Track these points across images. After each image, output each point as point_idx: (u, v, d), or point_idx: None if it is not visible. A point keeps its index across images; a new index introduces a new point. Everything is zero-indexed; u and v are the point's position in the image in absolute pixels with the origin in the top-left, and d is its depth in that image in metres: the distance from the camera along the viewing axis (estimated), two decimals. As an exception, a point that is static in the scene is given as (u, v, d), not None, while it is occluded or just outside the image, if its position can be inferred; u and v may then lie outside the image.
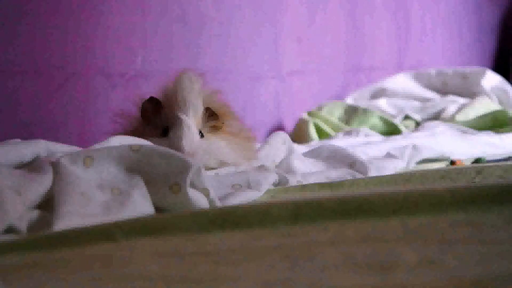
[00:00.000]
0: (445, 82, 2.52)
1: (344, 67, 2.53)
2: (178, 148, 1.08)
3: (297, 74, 2.28)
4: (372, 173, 1.21)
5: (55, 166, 0.84)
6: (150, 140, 1.05)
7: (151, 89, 1.20)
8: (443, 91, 2.51)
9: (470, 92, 2.45)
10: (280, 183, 1.11)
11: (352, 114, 2.20)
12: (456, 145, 1.62)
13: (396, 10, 2.80)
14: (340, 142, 1.70)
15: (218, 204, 0.90)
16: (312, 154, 1.30)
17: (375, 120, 2.15)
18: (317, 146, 1.37)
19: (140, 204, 0.83)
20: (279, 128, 2.14)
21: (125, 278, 0.57)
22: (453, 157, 1.51)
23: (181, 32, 1.83)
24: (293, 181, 1.11)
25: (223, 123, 1.17)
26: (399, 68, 2.76)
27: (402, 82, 2.52)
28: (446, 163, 1.48)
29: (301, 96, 2.30)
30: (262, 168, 1.11)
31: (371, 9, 2.67)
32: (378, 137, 1.88)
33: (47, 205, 0.81)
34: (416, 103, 2.41)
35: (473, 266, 0.52)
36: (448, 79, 2.52)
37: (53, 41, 1.53)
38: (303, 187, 1.07)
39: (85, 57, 1.59)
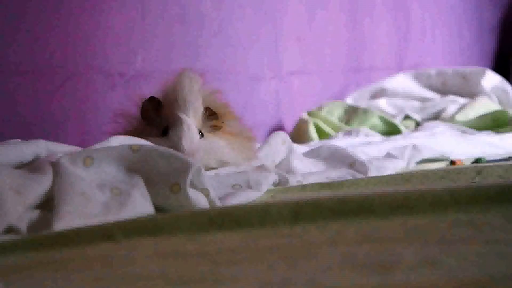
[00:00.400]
0: (445, 82, 2.52)
1: (344, 67, 2.53)
2: (178, 147, 1.08)
3: (297, 74, 2.28)
4: (372, 173, 1.21)
5: (55, 166, 0.84)
6: (150, 140, 1.05)
7: (151, 89, 1.20)
8: (443, 91, 2.51)
9: (470, 92, 2.45)
10: (280, 183, 1.11)
11: (352, 114, 2.20)
12: (456, 145, 1.62)
13: (396, 10, 2.80)
14: (340, 142, 1.70)
15: (218, 204, 0.90)
16: (312, 154, 1.30)
17: (375, 120, 2.15)
18: (317, 146, 1.37)
19: (140, 204, 0.83)
20: (279, 128, 2.13)
21: (125, 278, 0.57)
22: (453, 157, 1.51)
23: (181, 32, 1.83)
24: (293, 181, 1.11)
25: (223, 122, 1.17)
26: (399, 68, 2.76)
27: (402, 82, 2.52)
28: (446, 163, 1.48)
29: (301, 96, 2.30)
30: (262, 168, 1.11)
31: (371, 9, 2.67)
32: (378, 137, 1.88)
33: (47, 205, 0.81)
34: (416, 103, 2.41)
35: (473, 266, 0.52)
36: (448, 79, 2.52)
37: (53, 41, 1.53)
38: (303, 187, 1.07)
39: (85, 57, 1.59)
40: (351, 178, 1.15)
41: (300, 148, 1.50)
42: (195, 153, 1.10)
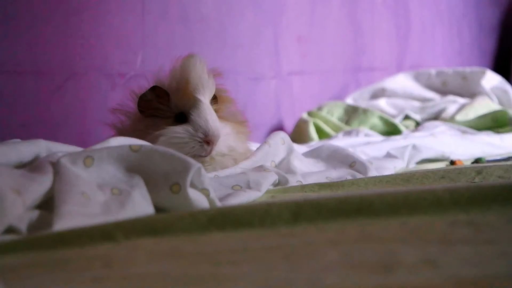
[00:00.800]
0: (445, 82, 2.53)
1: (344, 67, 2.53)
2: (206, 131, 1.07)
3: (297, 74, 2.28)
4: (372, 173, 1.21)
5: (55, 166, 0.84)
6: (166, 131, 1.04)
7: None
8: (443, 91, 2.51)
9: (470, 92, 2.45)
10: (280, 183, 1.11)
11: (352, 114, 2.20)
12: (456, 145, 1.62)
13: (396, 10, 2.80)
14: (340, 142, 1.70)
15: (218, 204, 0.90)
16: (312, 154, 1.30)
17: (375, 120, 2.15)
18: (317, 146, 1.37)
19: (140, 204, 0.83)
20: (279, 128, 2.14)
21: (125, 278, 0.57)
22: (453, 157, 1.51)
23: (181, 32, 1.83)
24: (293, 181, 1.11)
25: (223, 106, 1.16)
26: (399, 68, 2.76)
27: (402, 82, 2.52)
28: (446, 163, 1.48)
29: (301, 96, 2.30)
30: (261, 168, 1.11)
31: (371, 9, 2.67)
32: (378, 137, 1.88)
33: (47, 205, 0.81)
34: (416, 103, 2.41)
35: (473, 266, 0.52)
36: (448, 79, 2.52)
37: (53, 41, 1.53)
38: (303, 187, 1.07)
39: (85, 57, 1.59)
40: (351, 178, 1.15)
41: (300, 148, 1.50)
42: (219, 136, 1.08)
